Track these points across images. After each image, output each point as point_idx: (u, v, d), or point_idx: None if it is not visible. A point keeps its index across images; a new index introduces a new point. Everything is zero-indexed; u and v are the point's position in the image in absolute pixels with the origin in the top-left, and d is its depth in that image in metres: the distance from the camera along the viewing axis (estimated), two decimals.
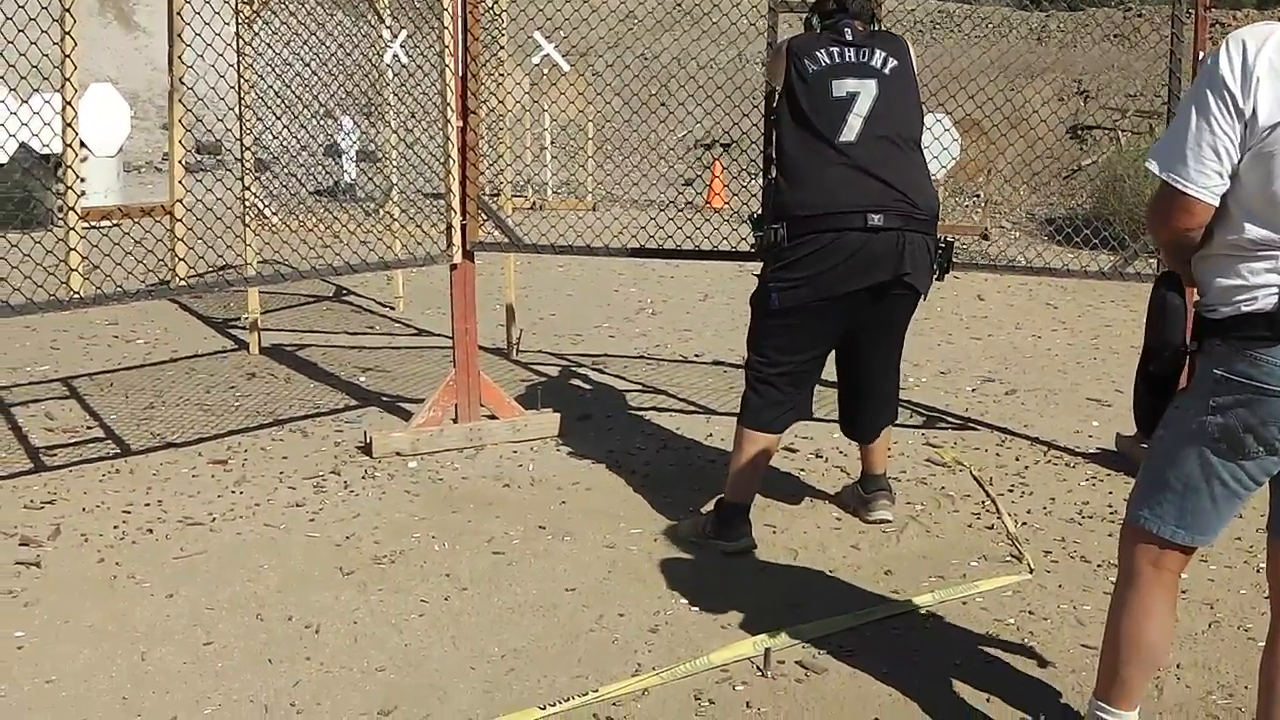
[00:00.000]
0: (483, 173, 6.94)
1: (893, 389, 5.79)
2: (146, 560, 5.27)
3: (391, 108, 8.92)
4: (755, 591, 4.98)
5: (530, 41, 9.20)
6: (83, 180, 5.57)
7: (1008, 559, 5.34)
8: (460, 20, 6.57)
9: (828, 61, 5.36)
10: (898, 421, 6.05)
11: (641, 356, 8.92)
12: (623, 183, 8.46)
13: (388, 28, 8.77)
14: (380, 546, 5.41)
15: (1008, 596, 4.94)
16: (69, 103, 5.45)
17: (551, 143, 15.73)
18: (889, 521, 5.74)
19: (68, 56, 5.39)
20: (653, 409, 7.52)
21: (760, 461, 5.47)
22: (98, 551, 5.37)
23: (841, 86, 5.31)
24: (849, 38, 5.45)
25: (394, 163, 9.05)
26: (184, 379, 8.20)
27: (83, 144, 5.51)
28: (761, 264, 5.48)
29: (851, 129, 5.26)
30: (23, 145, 12.40)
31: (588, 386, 8.02)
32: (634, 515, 5.81)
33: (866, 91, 5.31)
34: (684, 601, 4.89)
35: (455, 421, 6.75)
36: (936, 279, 5.47)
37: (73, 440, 6.85)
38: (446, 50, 6.52)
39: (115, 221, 5.89)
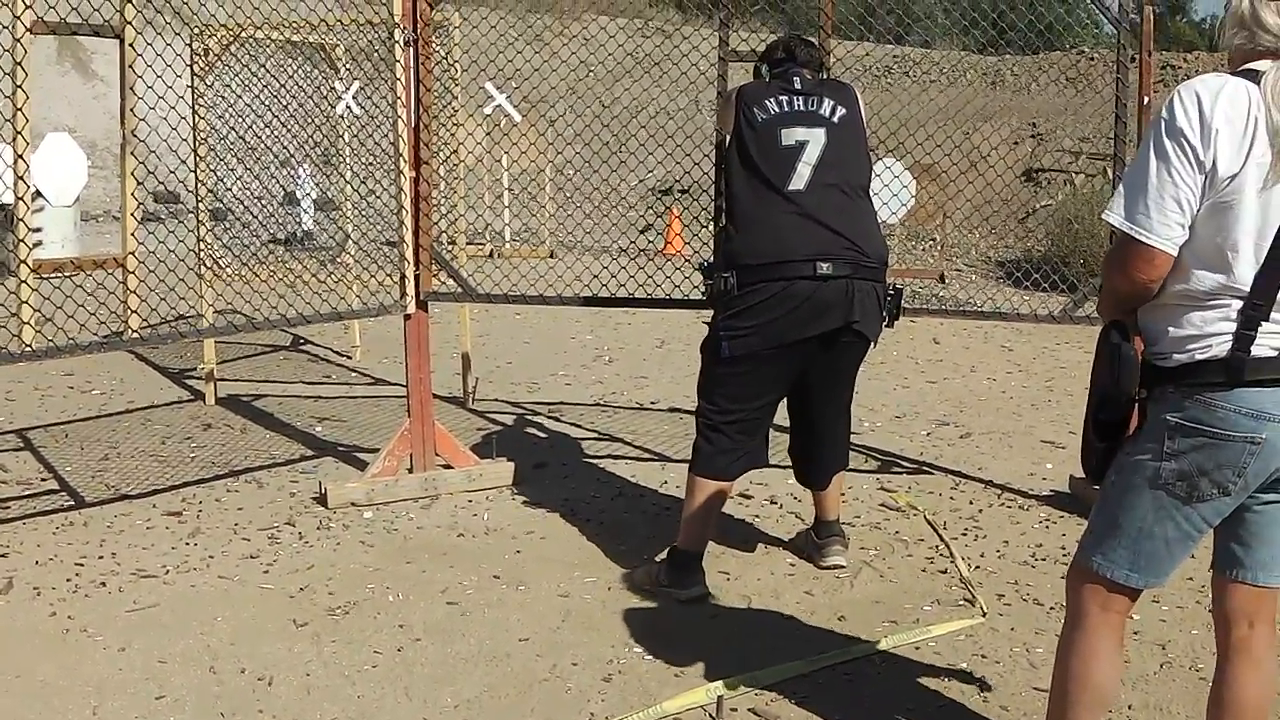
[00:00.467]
0: (436, 223, 6.96)
1: (844, 434, 5.82)
2: (100, 613, 5.25)
3: (346, 158, 8.95)
4: (709, 639, 4.99)
5: (482, 92, 9.23)
6: (37, 231, 5.57)
7: (961, 603, 5.37)
8: (412, 70, 6.60)
9: (776, 110, 5.40)
10: (850, 466, 6.08)
11: (598, 404, 8.94)
12: (579, 230, 8.47)
13: (340, 79, 8.80)
14: (334, 597, 5.39)
15: (961, 640, 4.96)
16: (20, 155, 5.46)
17: (508, 190, 15.79)
18: (843, 567, 5.75)
19: (19, 109, 5.40)
20: (608, 456, 7.53)
21: (712, 508, 5.48)
22: (50, 605, 5.34)
23: (791, 135, 5.34)
24: (798, 86, 5.49)
25: (349, 212, 9.07)
26: (139, 430, 8.17)
27: (39, 193, 5.51)
28: (713, 312, 5.49)
29: (801, 177, 5.30)
30: None
31: (543, 434, 8.03)
32: (588, 563, 5.81)
33: (815, 140, 5.34)
34: (638, 650, 4.89)
35: (410, 471, 6.75)
36: (886, 325, 5.51)
37: (27, 492, 6.82)
38: (399, 100, 6.55)
39: (68, 274, 5.88)
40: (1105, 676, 3.47)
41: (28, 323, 5.49)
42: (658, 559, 5.70)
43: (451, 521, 6.38)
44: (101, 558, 5.87)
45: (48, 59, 23.17)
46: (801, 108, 5.43)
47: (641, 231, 16.24)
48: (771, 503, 6.66)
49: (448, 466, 6.82)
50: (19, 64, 5.39)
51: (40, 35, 5.59)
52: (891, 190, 7.57)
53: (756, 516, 6.45)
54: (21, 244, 5.48)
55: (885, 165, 7.73)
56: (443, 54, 8.10)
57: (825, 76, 5.80)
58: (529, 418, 8.50)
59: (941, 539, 6.12)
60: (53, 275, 5.88)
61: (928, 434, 8.19)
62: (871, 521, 6.38)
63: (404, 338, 6.77)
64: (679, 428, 8.13)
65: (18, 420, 8.44)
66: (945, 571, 5.73)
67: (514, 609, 5.29)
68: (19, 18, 5.38)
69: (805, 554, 5.90)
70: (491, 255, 10.98)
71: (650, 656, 4.83)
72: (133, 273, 5.88)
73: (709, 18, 8.94)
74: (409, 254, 6.64)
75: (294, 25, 8.49)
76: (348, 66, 8.95)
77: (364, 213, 8.20)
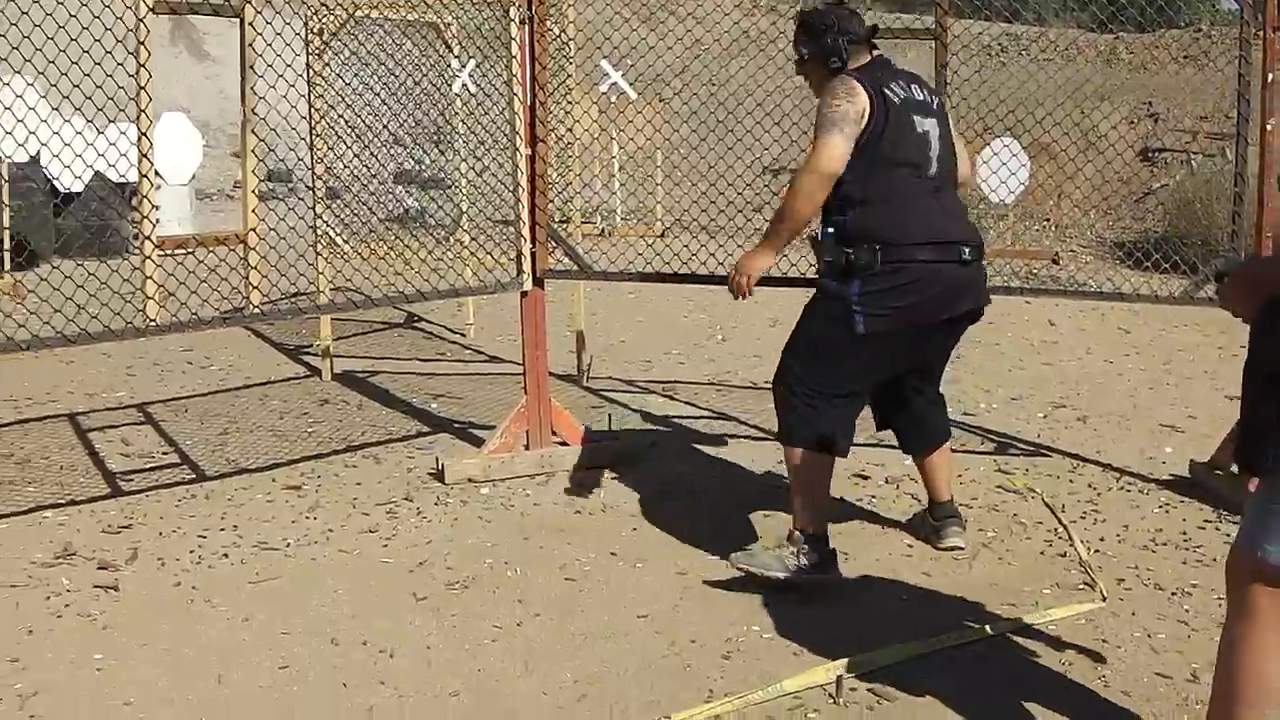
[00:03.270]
0: (551, 200, 6.97)
1: (941, 406, 5.87)
2: (222, 584, 5.33)
3: (461, 136, 8.98)
4: (827, 618, 4.97)
5: (598, 70, 9.23)
6: (157, 208, 5.65)
7: (1080, 586, 5.31)
8: (528, 49, 6.62)
9: (903, 95, 5.28)
10: (967, 448, 6.02)
11: (711, 383, 8.93)
12: (691, 209, 8.44)
13: (456, 57, 8.83)
14: (453, 572, 5.44)
15: (1081, 624, 4.90)
16: (144, 133, 5.53)
17: (620, 169, 15.79)
18: (961, 548, 5.71)
19: (143, 88, 5.47)
20: (723, 435, 7.51)
21: (827, 483, 5.41)
22: (174, 575, 5.44)
23: (920, 123, 5.28)
24: (898, 73, 5.40)
25: (464, 190, 9.10)
26: (257, 405, 8.28)
27: (156, 173, 5.58)
28: (827, 285, 5.31)
29: (932, 164, 5.28)
30: (98, 174, 12.57)
31: (658, 413, 8.03)
32: (705, 541, 5.79)
33: (933, 130, 5.32)
34: (756, 628, 4.88)
35: (527, 448, 6.78)
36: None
37: (149, 465, 6.94)
38: (515, 79, 6.56)
39: (190, 250, 5.96)
40: (1276, 676, 3.30)
41: (152, 298, 5.57)
42: (781, 545, 5.41)
43: (568, 498, 6.40)
44: (223, 530, 5.95)
45: (161, 40, 23.43)
46: (917, 96, 5.34)
47: (756, 211, 16.20)
48: (888, 483, 6.61)
49: (564, 444, 6.84)
50: (142, 43, 5.46)
51: (161, 15, 5.66)
52: (1010, 170, 7.48)
53: (874, 498, 6.41)
54: (146, 220, 5.56)
55: (1004, 144, 7.64)
56: (557, 32, 8.11)
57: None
58: (643, 396, 8.50)
59: (1060, 522, 6.05)
60: (176, 251, 5.96)
61: (1044, 416, 8.10)
62: (989, 504, 6.32)
63: (520, 315, 6.79)
64: None
65: (139, 395, 8.59)
66: (1064, 555, 5.66)
67: (631, 586, 5.31)
68: None
69: (922, 535, 5.86)
70: (604, 234, 10.99)
71: (769, 635, 4.82)
72: (254, 249, 5.95)
73: None
74: (525, 231, 6.66)
75: (409, 4, 8.53)
76: (462, 44, 8.96)
77: (479, 190, 8.22)
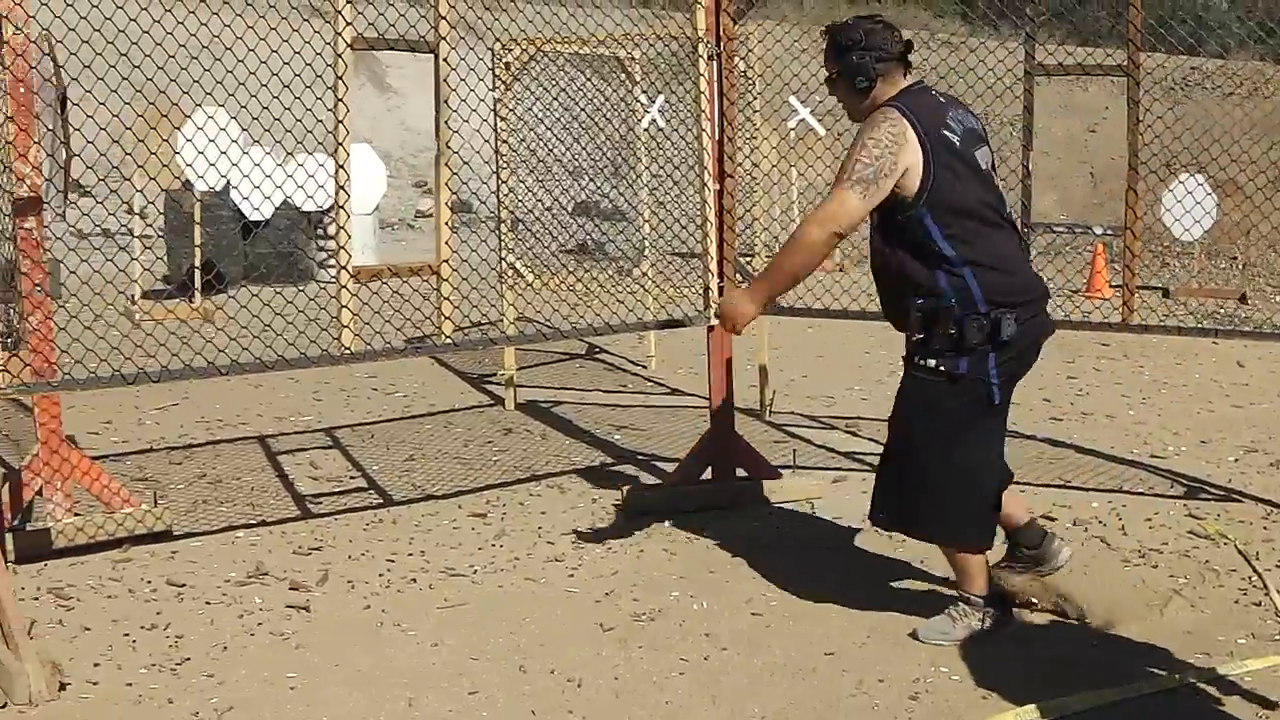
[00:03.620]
0: (738, 234, 6.98)
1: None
2: (411, 608, 5.41)
3: (646, 169, 9.05)
4: (1015, 661, 4.90)
5: (786, 105, 9.25)
6: (349, 238, 5.76)
7: (1277, 637, 5.16)
8: (716, 85, 6.65)
9: (960, 128, 4.90)
10: (1156, 491, 5.80)
11: None
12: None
13: (644, 91, 8.90)
14: (639, 604, 5.46)
15: (1277, 676, 4.77)
16: (341, 165, 5.65)
17: (800, 201, 15.78)
18: (1069, 558, 5.37)
19: (340, 121, 5.60)
20: None
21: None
22: (364, 598, 5.54)
23: (982, 158, 4.95)
24: (944, 101, 5.00)
25: (647, 223, 9.16)
26: (442, 432, 8.39)
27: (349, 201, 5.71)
28: (955, 365, 4.86)
29: (1005, 200, 5.01)
30: (286, 202, 12.88)
31: (841, 449, 7.98)
32: (891, 579, 5.76)
33: (988, 161, 4.99)
34: (944, 669, 4.83)
35: (711, 481, 6.78)
36: None
37: (337, 489, 7.07)
38: (703, 114, 6.59)
39: (384, 279, 6.06)
40: None
41: (347, 326, 5.68)
42: (958, 607, 5.18)
43: (753, 532, 6.39)
44: (411, 555, 6.05)
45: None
46: (971, 125, 4.97)
47: None
48: (1075, 525, 6.49)
49: (748, 478, 6.84)
50: (340, 78, 5.59)
51: (359, 50, 5.78)
52: (1204, 208, 7.35)
53: (1061, 540, 6.29)
54: (342, 251, 5.67)
55: (1194, 180, 7.51)
56: (743, 67, 8.14)
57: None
58: (826, 432, 8.46)
59: (1255, 570, 5.88)
60: (369, 281, 6.06)
61: (1235, 460, 7.90)
62: (1180, 549, 6.18)
63: (706, 349, 6.80)
64: None
65: (326, 419, 8.75)
66: (1259, 604, 5.51)
67: (818, 622, 5.28)
68: (340, 34, 5.58)
69: (1026, 568, 5.39)
70: None
71: (957, 677, 4.76)
72: (446, 280, 6.03)
73: (995, 30, 8.77)
74: (712, 266, 6.67)
75: (595, 39, 8.62)
76: (649, 79, 9.04)
77: (663, 223, 8.27)
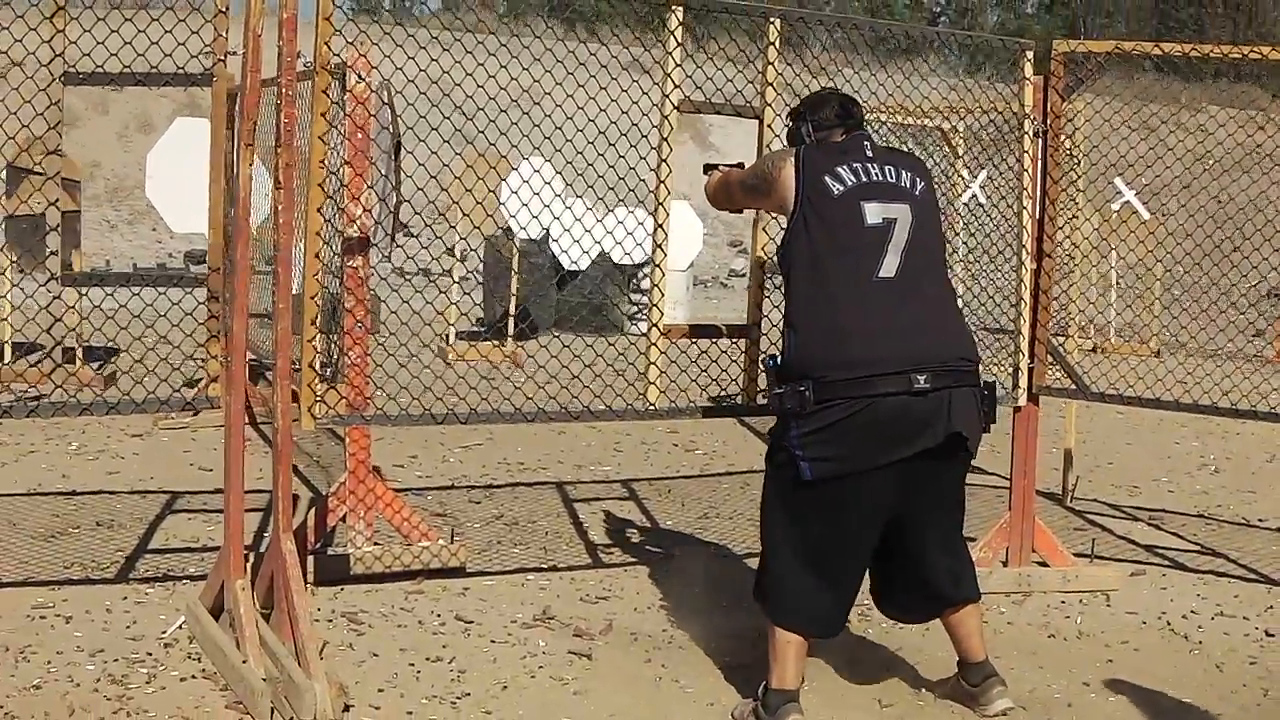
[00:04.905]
0: (1052, 321, 6.84)
1: (966, 560, 5.13)
2: (692, 665, 5.42)
3: (963, 242, 8.93)
4: None
5: (1110, 187, 9.04)
6: (662, 295, 5.82)
7: None
8: (1040, 162, 6.54)
9: (853, 180, 4.69)
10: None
11: (1200, 515, 8.53)
12: (1189, 328, 8.12)
13: (965, 165, 8.80)
14: (914, 682, 5.38)
15: None
16: (660, 225, 5.72)
17: (1117, 283, 15.40)
18: (1010, 709, 5.05)
19: (662, 182, 5.67)
20: (1210, 572, 7.15)
21: (800, 656, 4.86)
22: (645, 651, 5.57)
23: (875, 211, 4.67)
24: (869, 153, 4.81)
25: (961, 296, 9.04)
26: (738, 493, 8.38)
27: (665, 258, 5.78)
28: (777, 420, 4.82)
29: (890, 264, 4.65)
30: (602, 254, 13.12)
31: (1143, 541, 7.71)
32: (1183, 682, 5.53)
33: (902, 218, 4.68)
34: None
35: (1005, 565, 6.64)
36: (984, 430, 4.86)
37: (629, 541, 7.14)
38: (1025, 191, 6.48)
39: (693, 340, 6.08)
40: None
41: (654, 383, 5.73)
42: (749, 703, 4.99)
43: (1043, 621, 6.23)
44: (698, 612, 6.04)
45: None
46: (880, 178, 4.73)
47: (1258, 335, 15.50)
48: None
49: (1044, 564, 6.67)
50: (665, 139, 5.66)
51: (686, 114, 5.85)
52: None
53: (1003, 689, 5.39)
54: (655, 308, 5.73)
55: None
56: (1068, 145, 7.98)
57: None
58: (1128, 522, 8.19)
59: None
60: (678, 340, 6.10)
61: None
62: None
63: (1011, 429, 6.67)
64: None
65: (624, 471, 8.85)
66: None
67: (1099, 718, 5.13)
68: (668, 96, 5.66)
69: (961, 702, 5.14)
70: (1095, 349, 10.71)
71: None
72: (755, 344, 6.04)
73: None
74: (1024, 346, 6.54)
75: (919, 110, 8.56)
76: (971, 152, 8.93)
77: (975, 298, 8.15)
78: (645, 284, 11.39)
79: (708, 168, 5.50)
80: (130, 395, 5.55)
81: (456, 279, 13.84)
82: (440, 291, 13.36)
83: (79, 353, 10.34)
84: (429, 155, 5.41)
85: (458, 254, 13.41)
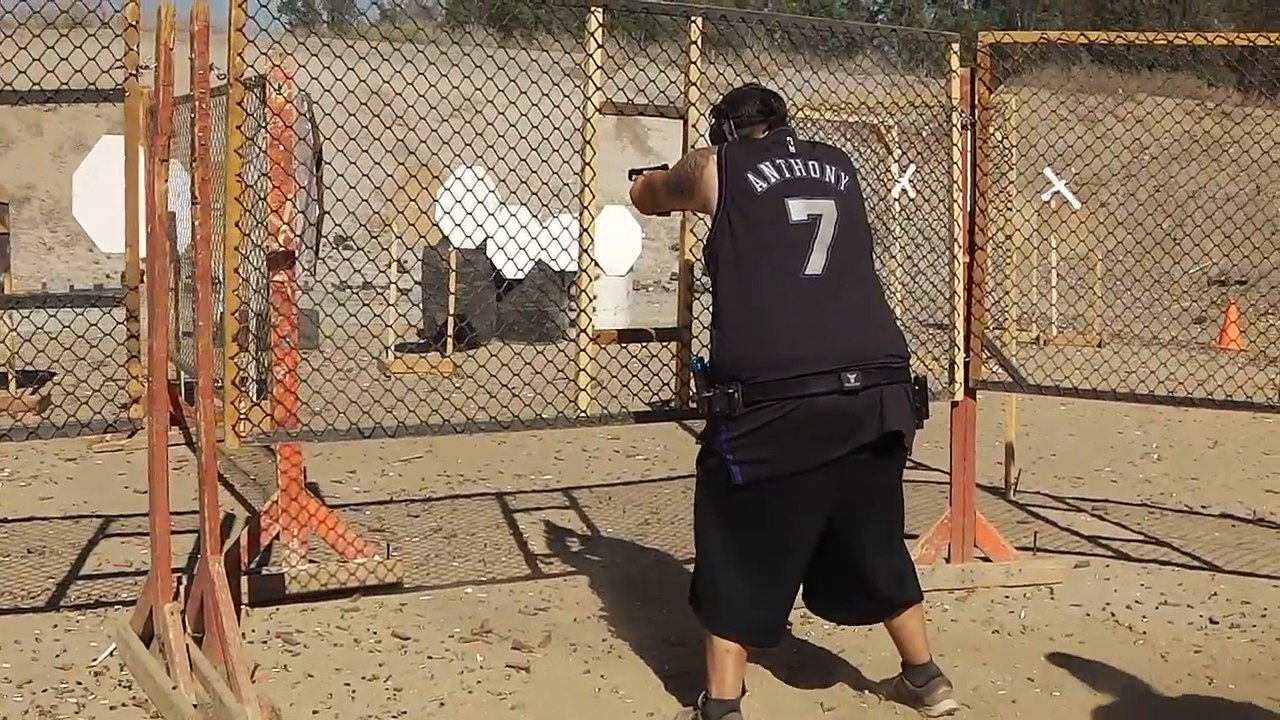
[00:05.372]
0: (987, 308, 6.81)
1: (905, 560, 5.04)
2: (633, 675, 5.35)
3: (896, 238, 8.91)
4: None
5: (1040, 178, 9.03)
6: (594, 298, 5.75)
7: None
8: (970, 155, 6.51)
9: (776, 177, 4.62)
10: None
11: (1144, 504, 8.52)
12: (1126, 317, 8.11)
13: (895, 161, 8.78)
14: (858, 684, 5.31)
15: None
16: (585, 229, 5.66)
17: (1058, 277, 15.45)
18: (955, 709, 5.00)
19: (586, 185, 5.60)
20: (1154, 561, 7.13)
21: (739, 664, 4.77)
22: (585, 662, 5.50)
23: (799, 208, 4.59)
24: (792, 149, 4.74)
25: (898, 294, 9.03)
26: (681, 497, 8.31)
27: (595, 263, 5.70)
28: (706, 425, 4.78)
29: (816, 260, 4.57)
30: (539, 263, 13.07)
31: (1086, 533, 7.69)
32: (1126, 673, 5.48)
33: (827, 214, 4.61)
34: None
35: (948, 561, 6.60)
36: (918, 427, 4.79)
37: (569, 550, 7.07)
38: (954, 185, 6.45)
39: (623, 345, 6.02)
40: None
41: (584, 390, 5.66)
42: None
43: (987, 616, 6.19)
44: (636, 621, 5.98)
45: (606, 135, 24.27)
46: (803, 174, 4.65)
47: (1195, 322, 15.58)
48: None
49: (986, 559, 6.64)
50: (588, 142, 5.60)
51: (608, 115, 5.79)
52: None
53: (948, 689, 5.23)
54: (583, 314, 5.67)
55: None
56: (999, 137, 7.97)
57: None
58: (1071, 513, 8.18)
59: None
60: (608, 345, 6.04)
61: None
62: None
63: (949, 424, 6.63)
64: (1231, 535, 7.66)
65: (565, 479, 8.79)
66: None
67: (1044, 714, 5.08)
68: (589, 98, 5.60)
69: (906, 703, 5.07)
70: (1038, 341, 10.69)
71: None
72: (685, 346, 5.98)
73: (1274, 96, 8.47)
74: (959, 340, 6.51)
75: (849, 106, 8.53)
76: (901, 148, 8.92)
77: (910, 294, 8.13)
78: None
79: (632, 173, 5.43)
80: (49, 419, 5.44)
81: (400, 290, 13.75)
82: (388, 304, 13.25)
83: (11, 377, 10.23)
84: (371, 166, 5.34)
85: (396, 267, 13.30)
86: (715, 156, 4.74)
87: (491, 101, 5.59)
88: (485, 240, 11.75)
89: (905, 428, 4.67)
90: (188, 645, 4.97)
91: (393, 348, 13.02)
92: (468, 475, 8.81)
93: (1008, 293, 8.27)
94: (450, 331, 13.38)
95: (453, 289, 13.53)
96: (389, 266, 13.15)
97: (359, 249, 13.55)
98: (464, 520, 7.66)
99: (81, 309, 5.24)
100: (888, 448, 4.67)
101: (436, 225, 11.26)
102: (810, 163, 4.72)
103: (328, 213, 5.72)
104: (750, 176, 4.63)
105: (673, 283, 22.03)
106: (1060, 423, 11.07)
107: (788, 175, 4.65)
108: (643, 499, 8.32)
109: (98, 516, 7.48)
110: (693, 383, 4.97)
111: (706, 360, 4.74)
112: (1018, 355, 8.39)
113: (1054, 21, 42.45)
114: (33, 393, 10.43)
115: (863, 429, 4.56)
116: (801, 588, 4.98)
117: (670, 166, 5.19)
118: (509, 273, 13.72)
